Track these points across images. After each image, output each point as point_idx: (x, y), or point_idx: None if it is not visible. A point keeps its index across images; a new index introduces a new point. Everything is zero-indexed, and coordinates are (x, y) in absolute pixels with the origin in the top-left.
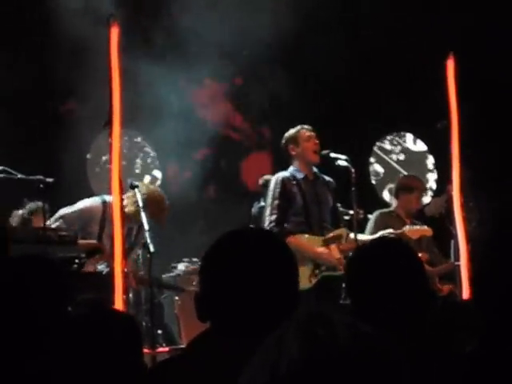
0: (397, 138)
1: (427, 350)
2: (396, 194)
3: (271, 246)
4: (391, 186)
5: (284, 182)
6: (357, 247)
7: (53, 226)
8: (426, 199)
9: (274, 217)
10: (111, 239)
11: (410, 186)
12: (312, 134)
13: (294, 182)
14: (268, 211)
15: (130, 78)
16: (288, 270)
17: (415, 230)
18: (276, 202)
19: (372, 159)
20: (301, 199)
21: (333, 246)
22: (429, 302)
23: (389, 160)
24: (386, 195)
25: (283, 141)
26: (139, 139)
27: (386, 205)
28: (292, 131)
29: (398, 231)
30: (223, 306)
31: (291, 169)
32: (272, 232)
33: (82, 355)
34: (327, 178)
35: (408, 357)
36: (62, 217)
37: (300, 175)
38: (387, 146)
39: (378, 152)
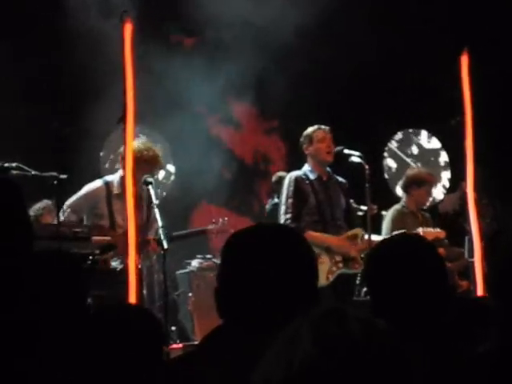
0: (411, 135)
1: (444, 348)
2: (406, 188)
3: (290, 240)
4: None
5: (297, 181)
6: (378, 242)
7: (62, 217)
8: (439, 196)
9: (289, 215)
10: (122, 214)
11: (419, 180)
12: (328, 135)
13: (307, 182)
14: (283, 209)
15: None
16: (307, 265)
17: (429, 233)
18: (290, 200)
19: (386, 154)
20: (314, 199)
21: (350, 248)
22: (449, 300)
23: (402, 155)
24: (399, 190)
25: (301, 139)
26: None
27: (399, 200)
28: (309, 130)
29: (413, 232)
30: (240, 300)
31: (305, 168)
32: (291, 227)
33: (104, 351)
34: (340, 179)
35: (424, 354)
36: (68, 206)
37: (313, 175)
38: (401, 141)
39: (392, 147)
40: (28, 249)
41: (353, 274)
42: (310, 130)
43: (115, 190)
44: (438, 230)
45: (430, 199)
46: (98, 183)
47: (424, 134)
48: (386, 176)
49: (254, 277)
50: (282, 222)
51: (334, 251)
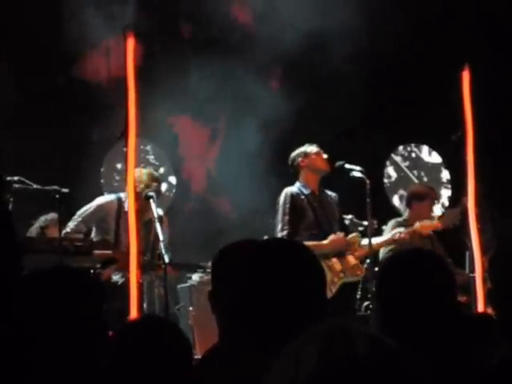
0: (413, 148)
1: (450, 363)
2: (408, 203)
3: (301, 255)
4: (402, 192)
5: (293, 197)
6: (390, 257)
7: (72, 225)
8: (437, 211)
9: (285, 232)
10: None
11: (421, 194)
12: (320, 150)
13: (303, 197)
14: (279, 227)
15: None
16: (317, 279)
17: (426, 225)
18: (287, 217)
19: (388, 162)
20: (311, 213)
21: (348, 256)
22: (457, 316)
23: (403, 167)
24: (396, 201)
25: (290, 159)
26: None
27: (399, 214)
28: (300, 148)
29: (409, 229)
30: (246, 314)
31: (297, 184)
32: (301, 242)
33: (133, 364)
34: (329, 193)
35: (431, 370)
36: (79, 215)
37: (306, 191)
38: (403, 154)
39: (394, 158)
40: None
41: (353, 288)
42: (300, 148)
43: (126, 208)
44: (435, 220)
45: (432, 214)
46: (110, 197)
47: (425, 148)
48: (385, 181)
49: (263, 291)
50: None
51: (331, 257)
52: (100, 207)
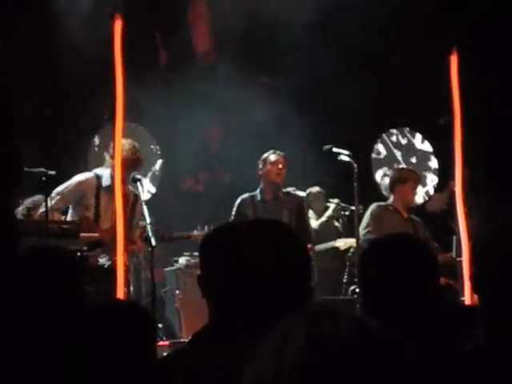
0: (407, 133)
1: (433, 346)
2: (391, 187)
3: (285, 237)
4: (386, 169)
5: (240, 205)
6: (372, 242)
7: (50, 203)
8: (420, 200)
9: None
10: (110, 212)
11: (403, 178)
12: (281, 158)
13: (252, 203)
14: None
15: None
16: (302, 262)
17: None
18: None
19: (378, 140)
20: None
21: None
22: (440, 299)
23: (392, 147)
24: (378, 176)
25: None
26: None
27: (385, 199)
28: (265, 154)
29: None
30: (234, 295)
31: (258, 189)
32: (288, 225)
33: (97, 347)
34: (294, 194)
35: (415, 352)
36: (58, 194)
37: (260, 196)
38: (396, 135)
39: (386, 138)
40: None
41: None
42: (265, 154)
43: (104, 184)
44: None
45: (416, 197)
46: (89, 175)
47: (418, 136)
48: (373, 156)
49: (249, 272)
50: None
51: None
52: (80, 184)
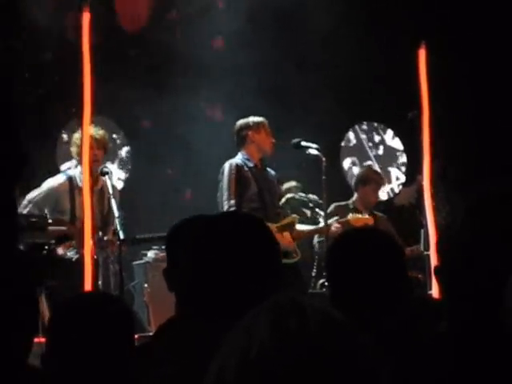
0: (378, 128)
1: (396, 338)
2: (355, 187)
3: (250, 229)
4: (354, 158)
5: (238, 168)
6: (338, 235)
7: (24, 211)
8: (384, 196)
9: (232, 201)
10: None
11: (365, 178)
12: (270, 131)
13: (247, 169)
14: (225, 196)
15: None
16: (270, 252)
17: (358, 219)
18: (233, 187)
19: (350, 130)
20: (255, 186)
21: (286, 234)
22: (406, 291)
23: (363, 140)
24: (346, 164)
25: (241, 124)
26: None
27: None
28: (255, 119)
29: (343, 219)
30: (199, 288)
31: (240, 156)
32: (253, 215)
33: (76, 338)
34: (270, 170)
35: (379, 345)
36: (30, 201)
37: (251, 163)
38: (366, 129)
39: (357, 129)
40: None
41: (292, 264)
42: (257, 118)
43: (78, 184)
44: (367, 216)
45: (377, 199)
46: (60, 178)
47: (390, 132)
48: (343, 144)
49: (215, 264)
50: (225, 208)
51: None
52: (51, 190)
